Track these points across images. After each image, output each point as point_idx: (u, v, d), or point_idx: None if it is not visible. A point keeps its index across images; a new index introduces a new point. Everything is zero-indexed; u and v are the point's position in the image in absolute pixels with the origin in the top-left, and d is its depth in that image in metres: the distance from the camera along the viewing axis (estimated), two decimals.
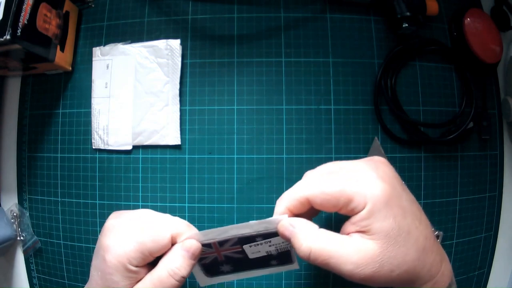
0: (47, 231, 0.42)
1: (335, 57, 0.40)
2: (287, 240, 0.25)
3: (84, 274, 0.41)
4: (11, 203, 0.44)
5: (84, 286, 0.28)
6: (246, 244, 0.27)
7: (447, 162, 0.41)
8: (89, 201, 0.41)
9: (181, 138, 0.40)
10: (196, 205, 0.40)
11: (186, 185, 0.40)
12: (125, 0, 0.42)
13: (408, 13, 0.38)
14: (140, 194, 0.40)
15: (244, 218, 0.39)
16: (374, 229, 0.22)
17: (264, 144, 0.39)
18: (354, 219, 0.23)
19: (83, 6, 0.43)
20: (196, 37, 0.41)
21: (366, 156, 0.30)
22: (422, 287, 0.23)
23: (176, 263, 0.26)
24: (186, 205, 0.40)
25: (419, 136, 0.40)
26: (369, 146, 0.40)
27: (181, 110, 0.40)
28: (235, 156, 0.39)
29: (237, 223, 0.32)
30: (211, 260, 0.29)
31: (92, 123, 0.41)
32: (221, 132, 0.40)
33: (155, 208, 0.32)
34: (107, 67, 0.41)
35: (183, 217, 0.30)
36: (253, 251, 0.28)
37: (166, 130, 0.40)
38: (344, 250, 0.23)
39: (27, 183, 0.43)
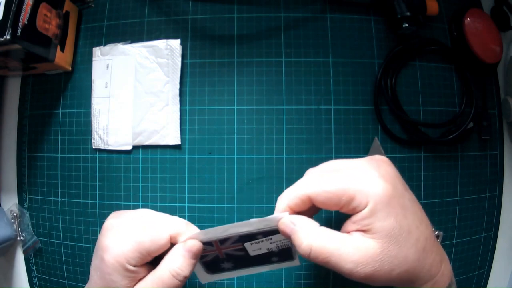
0: (47, 231, 0.42)
1: (335, 57, 0.40)
2: (288, 238, 0.25)
3: (84, 274, 0.41)
4: (11, 203, 0.44)
5: (84, 286, 0.28)
6: (247, 241, 0.27)
7: (447, 162, 0.41)
8: (89, 201, 0.41)
9: (181, 138, 0.40)
10: (196, 205, 0.40)
11: (186, 185, 0.40)
12: (125, 0, 0.42)
13: (408, 13, 0.38)
14: (140, 194, 0.40)
15: (244, 218, 0.39)
16: (375, 228, 0.22)
17: (264, 144, 0.40)
18: (355, 217, 0.23)
19: (83, 6, 0.43)
20: (196, 37, 0.41)
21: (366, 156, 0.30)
22: (422, 287, 0.23)
23: (178, 263, 0.26)
24: (186, 205, 0.40)
25: (419, 136, 0.40)
26: (369, 146, 0.40)
27: (181, 110, 0.40)
28: (235, 156, 0.39)
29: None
30: (212, 257, 0.29)
31: (92, 123, 0.41)
32: (221, 132, 0.40)
33: (155, 208, 0.32)
34: (107, 67, 0.41)
35: (183, 217, 0.30)
36: (254, 248, 0.28)
37: (166, 130, 0.40)
38: (345, 248, 0.23)
39: (27, 183, 0.43)
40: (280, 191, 0.26)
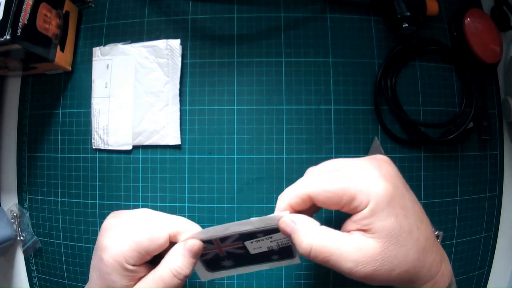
0: (47, 231, 0.42)
1: (335, 57, 0.40)
2: (288, 237, 0.25)
3: (84, 274, 0.41)
4: (11, 203, 0.44)
5: (84, 286, 0.28)
6: (247, 240, 0.27)
7: (447, 162, 0.41)
8: (89, 201, 0.41)
9: (181, 138, 0.40)
10: (196, 205, 0.40)
11: (186, 185, 0.40)
12: (125, 0, 0.42)
13: (408, 13, 0.38)
14: (140, 194, 0.40)
15: (244, 218, 0.38)
16: (375, 228, 0.22)
17: (264, 144, 0.39)
18: (356, 217, 0.23)
19: (83, 6, 0.43)
20: (196, 37, 0.41)
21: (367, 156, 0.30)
22: (422, 287, 0.23)
23: (178, 262, 0.26)
24: (186, 205, 0.40)
25: (419, 136, 0.40)
26: (369, 146, 0.40)
27: (181, 110, 0.40)
28: (235, 156, 0.39)
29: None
30: (212, 256, 0.29)
31: (92, 123, 0.41)
32: (221, 132, 0.40)
33: (155, 208, 0.32)
34: (107, 67, 0.41)
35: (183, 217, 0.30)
36: (254, 246, 0.28)
37: (166, 130, 0.40)
38: (345, 247, 0.23)
39: (27, 183, 0.43)
40: (280, 191, 0.26)
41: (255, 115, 0.40)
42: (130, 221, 0.28)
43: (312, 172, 0.27)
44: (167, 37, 0.41)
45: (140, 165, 0.40)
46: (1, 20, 0.32)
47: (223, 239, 0.27)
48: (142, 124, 0.40)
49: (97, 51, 0.42)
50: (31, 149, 0.43)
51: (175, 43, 0.40)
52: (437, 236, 0.40)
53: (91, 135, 0.41)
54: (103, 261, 0.25)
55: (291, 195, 0.25)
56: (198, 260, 0.28)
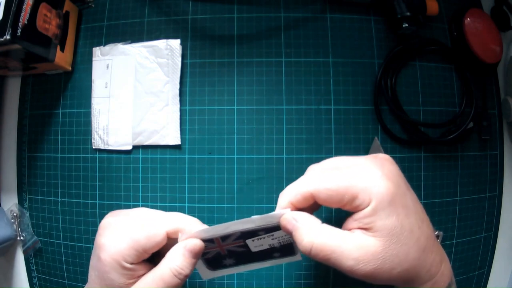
0: (47, 231, 0.42)
1: (335, 57, 0.40)
2: (289, 234, 0.25)
3: (84, 274, 0.41)
4: (11, 203, 0.44)
5: (84, 287, 0.28)
6: (248, 238, 0.27)
7: (447, 162, 0.41)
8: (89, 201, 0.41)
9: (181, 138, 0.40)
10: (196, 205, 0.40)
11: (186, 185, 0.40)
12: (125, 0, 0.42)
13: (408, 13, 0.38)
14: (140, 194, 0.40)
15: (244, 218, 0.39)
16: (377, 227, 0.22)
17: (264, 144, 0.39)
18: (357, 215, 0.23)
19: (83, 6, 0.43)
20: (196, 37, 0.41)
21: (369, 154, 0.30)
22: (421, 287, 0.23)
23: (179, 262, 0.26)
24: (186, 205, 0.40)
25: (419, 136, 0.40)
26: (369, 146, 0.40)
27: (181, 110, 0.40)
28: (235, 156, 0.39)
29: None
30: (213, 254, 0.29)
31: (92, 123, 0.41)
32: (221, 132, 0.40)
33: (155, 208, 0.32)
34: (107, 67, 0.41)
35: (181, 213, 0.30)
36: (256, 244, 0.28)
37: (166, 130, 0.40)
38: (346, 246, 0.23)
39: (27, 183, 0.43)
40: (280, 191, 0.26)
41: (255, 115, 0.40)
42: (128, 219, 0.28)
43: (314, 170, 0.27)
44: (167, 37, 0.41)
45: (140, 165, 0.40)
46: (1, 20, 0.32)
47: (224, 237, 0.27)
48: (142, 124, 0.40)
49: (97, 51, 0.42)
50: (31, 149, 0.43)
51: (175, 43, 0.40)
52: (437, 236, 0.40)
53: (91, 135, 0.41)
54: (101, 260, 0.26)
55: (292, 192, 0.25)
56: (199, 259, 0.28)
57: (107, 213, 0.29)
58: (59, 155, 0.42)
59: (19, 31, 0.33)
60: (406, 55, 0.40)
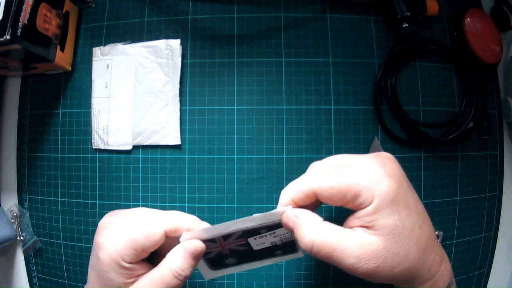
0: (47, 231, 0.42)
1: (335, 57, 0.40)
2: (291, 231, 0.25)
3: (84, 274, 0.41)
4: (11, 203, 0.44)
5: (83, 287, 0.28)
6: (250, 237, 0.27)
7: (447, 162, 0.41)
8: (89, 201, 0.41)
9: (181, 138, 0.40)
10: (196, 205, 0.40)
11: (186, 185, 0.40)
12: (125, 0, 0.42)
13: (408, 13, 0.38)
14: (140, 194, 0.40)
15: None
16: (378, 225, 0.22)
17: (264, 144, 0.39)
18: (359, 214, 0.23)
19: (83, 6, 0.43)
20: (196, 37, 0.41)
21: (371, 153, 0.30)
22: (421, 286, 0.23)
23: (179, 263, 0.26)
24: (186, 205, 0.40)
25: (419, 136, 0.40)
26: (369, 146, 0.40)
27: (181, 110, 0.40)
28: (235, 156, 0.39)
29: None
30: (215, 254, 0.29)
31: (92, 123, 0.41)
32: (221, 132, 0.40)
33: (155, 208, 0.32)
34: (107, 67, 0.41)
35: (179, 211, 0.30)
36: (257, 243, 0.28)
37: (166, 130, 0.40)
38: (348, 243, 0.23)
39: (27, 183, 0.43)
40: (280, 191, 0.26)
41: (255, 115, 0.40)
42: (126, 219, 0.28)
43: (316, 168, 0.27)
44: (167, 37, 0.41)
45: (140, 165, 0.40)
46: (1, 20, 0.32)
47: (226, 237, 0.27)
48: (142, 124, 0.40)
49: (97, 51, 0.42)
50: (31, 149, 0.43)
51: (175, 43, 0.40)
52: (437, 236, 0.40)
53: (91, 135, 0.41)
54: (100, 260, 0.26)
55: (294, 190, 0.25)
56: (201, 259, 0.28)
57: (107, 213, 0.29)
58: (59, 155, 0.42)
59: (19, 31, 0.33)
60: (406, 55, 0.40)
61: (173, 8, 0.42)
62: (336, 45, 0.41)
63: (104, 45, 0.42)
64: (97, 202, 0.41)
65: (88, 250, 0.41)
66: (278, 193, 0.26)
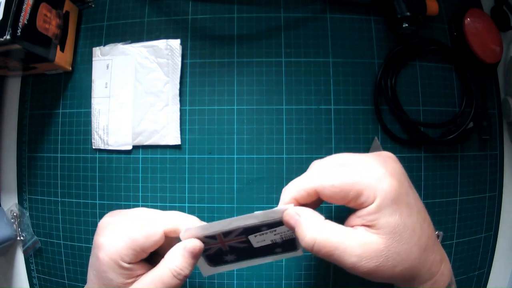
0: (47, 231, 0.42)
1: (335, 57, 0.40)
2: (292, 229, 0.25)
3: (84, 274, 0.41)
4: (11, 203, 0.44)
5: (83, 287, 0.28)
6: (251, 234, 0.27)
7: (447, 162, 0.41)
8: (89, 201, 0.41)
9: (181, 138, 0.40)
10: (196, 205, 0.40)
11: (186, 185, 0.40)
12: (125, 0, 0.42)
13: (408, 13, 0.38)
14: (140, 194, 0.40)
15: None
16: (380, 224, 0.22)
17: (264, 144, 0.39)
18: (361, 212, 0.23)
19: (83, 6, 0.43)
20: (196, 37, 0.41)
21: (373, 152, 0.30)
22: (421, 286, 0.23)
23: (178, 263, 0.26)
24: (186, 205, 0.40)
25: (419, 136, 0.40)
26: (369, 146, 0.40)
27: (181, 110, 0.40)
28: (235, 156, 0.39)
29: None
30: (215, 250, 0.29)
31: (92, 123, 0.41)
32: (221, 132, 0.40)
33: (155, 208, 0.32)
34: (107, 67, 0.41)
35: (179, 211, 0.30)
36: (258, 240, 0.28)
37: (166, 130, 0.40)
38: (349, 242, 0.23)
39: (27, 183, 0.43)
40: (280, 191, 0.26)
41: (255, 115, 0.40)
42: (126, 219, 0.28)
43: (318, 166, 0.27)
44: (167, 37, 0.41)
45: (140, 165, 0.40)
46: (1, 20, 0.32)
47: (226, 233, 0.27)
48: (142, 124, 0.40)
49: (97, 51, 0.42)
50: (31, 149, 0.43)
51: (175, 43, 0.40)
52: (437, 236, 0.40)
53: (91, 135, 0.41)
54: (99, 260, 0.26)
55: (296, 188, 0.25)
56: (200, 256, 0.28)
57: (107, 213, 0.29)
58: (59, 155, 0.42)
59: (19, 31, 0.33)
60: (406, 55, 0.40)
61: (173, 8, 0.42)
62: (336, 45, 0.41)
63: (104, 45, 0.42)
64: (97, 202, 0.41)
65: (88, 250, 0.41)
66: (278, 193, 0.26)
